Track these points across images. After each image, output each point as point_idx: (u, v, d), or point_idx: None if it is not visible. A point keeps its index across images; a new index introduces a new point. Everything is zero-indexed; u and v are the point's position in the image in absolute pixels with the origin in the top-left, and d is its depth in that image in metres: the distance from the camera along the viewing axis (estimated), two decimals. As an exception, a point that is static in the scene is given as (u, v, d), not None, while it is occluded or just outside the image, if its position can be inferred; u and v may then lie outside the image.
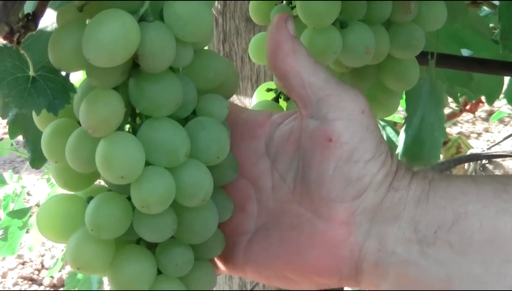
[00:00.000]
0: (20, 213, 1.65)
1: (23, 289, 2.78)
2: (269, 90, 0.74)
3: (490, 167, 2.71)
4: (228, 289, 1.31)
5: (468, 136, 4.24)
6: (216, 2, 1.14)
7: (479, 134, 4.28)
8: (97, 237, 0.53)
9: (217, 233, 0.57)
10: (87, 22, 0.54)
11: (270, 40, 0.56)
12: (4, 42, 0.51)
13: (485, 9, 1.33)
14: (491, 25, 1.29)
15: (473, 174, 0.88)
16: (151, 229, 0.54)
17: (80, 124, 0.53)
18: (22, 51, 0.52)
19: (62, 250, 2.25)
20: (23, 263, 2.97)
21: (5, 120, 0.68)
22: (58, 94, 0.52)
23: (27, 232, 1.79)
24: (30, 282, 2.83)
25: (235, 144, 0.59)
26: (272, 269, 0.57)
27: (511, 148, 3.28)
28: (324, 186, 0.54)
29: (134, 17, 0.50)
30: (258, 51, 0.73)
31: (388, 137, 1.66)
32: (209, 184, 0.54)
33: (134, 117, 0.55)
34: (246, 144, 0.60)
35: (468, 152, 0.89)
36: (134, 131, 0.54)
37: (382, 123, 1.62)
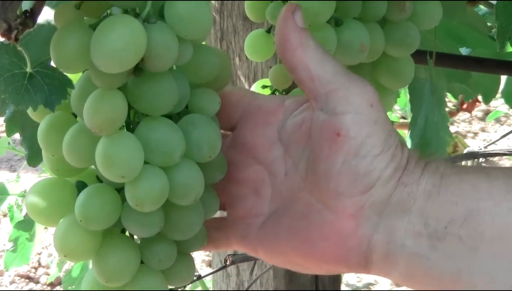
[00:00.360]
0: (27, 225, 1.65)
1: (20, 287, 2.78)
2: (264, 87, 0.74)
3: (486, 166, 2.71)
4: (225, 289, 1.32)
5: (464, 136, 4.24)
6: (213, 1, 1.14)
7: (476, 133, 4.28)
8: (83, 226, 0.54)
9: (201, 229, 0.58)
10: (85, 19, 0.54)
11: (278, 32, 0.56)
12: (2, 39, 0.52)
13: (482, 8, 1.33)
14: (488, 24, 1.29)
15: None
16: (139, 225, 0.54)
17: (75, 117, 0.54)
18: (19, 48, 0.52)
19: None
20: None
21: (2, 118, 0.69)
22: (55, 90, 0.52)
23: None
24: (27, 280, 2.83)
25: (248, 130, 0.60)
26: (282, 254, 0.58)
27: (507, 147, 3.28)
28: (332, 179, 0.54)
29: (139, 20, 0.50)
30: (254, 48, 0.73)
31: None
32: (201, 185, 0.55)
33: (129, 114, 0.55)
34: (259, 130, 0.60)
35: (465, 151, 0.89)
36: (128, 128, 0.55)
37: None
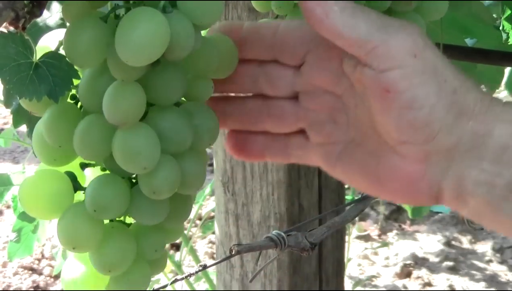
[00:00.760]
0: (30, 216, 1.65)
1: (23, 279, 2.79)
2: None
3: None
4: (229, 280, 1.32)
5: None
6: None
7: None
8: (90, 217, 0.54)
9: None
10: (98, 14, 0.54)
11: (303, 11, 0.55)
12: (10, 28, 0.52)
13: (487, -1, 1.33)
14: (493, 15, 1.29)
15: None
16: (150, 214, 0.55)
17: (80, 108, 0.54)
18: (27, 37, 0.52)
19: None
20: (23, 253, 2.97)
21: (3, 110, 0.69)
22: (60, 80, 0.52)
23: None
24: (30, 272, 2.83)
25: (316, 64, 0.59)
26: (357, 183, 0.59)
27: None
28: (392, 131, 0.53)
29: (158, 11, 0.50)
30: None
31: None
32: (204, 175, 0.56)
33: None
34: (325, 63, 0.58)
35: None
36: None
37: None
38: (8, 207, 3.16)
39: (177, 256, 2.26)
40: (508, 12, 0.93)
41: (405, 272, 2.81)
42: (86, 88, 0.54)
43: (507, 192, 0.51)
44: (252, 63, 0.61)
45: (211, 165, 1.52)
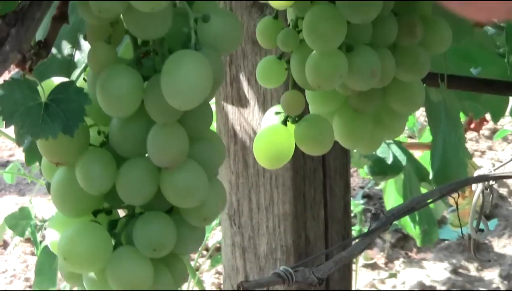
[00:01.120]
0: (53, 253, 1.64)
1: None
2: (277, 113, 0.74)
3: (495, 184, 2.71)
4: None
5: (472, 155, 4.23)
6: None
7: (483, 152, 4.27)
8: (144, 256, 0.55)
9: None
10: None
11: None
12: (16, 70, 0.52)
13: (490, 28, 1.34)
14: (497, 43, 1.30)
15: (481, 194, 0.89)
16: (195, 243, 0.57)
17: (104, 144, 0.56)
18: (32, 79, 0.52)
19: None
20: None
21: (9, 142, 0.69)
22: (72, 114, 0.52)
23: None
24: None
25: None
26: None
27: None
28: None
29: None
30: (266, 74, 0.73)
31: (395, 156, 1.65)
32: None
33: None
34: None
35: (475, 173, 0.90)
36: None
37: (387, 141, 1.62)
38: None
39: (185, 286, 2.24)
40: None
41: (413, 301, 2.79)
42: (121, 135, 0.55)
43: None
44: None
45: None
